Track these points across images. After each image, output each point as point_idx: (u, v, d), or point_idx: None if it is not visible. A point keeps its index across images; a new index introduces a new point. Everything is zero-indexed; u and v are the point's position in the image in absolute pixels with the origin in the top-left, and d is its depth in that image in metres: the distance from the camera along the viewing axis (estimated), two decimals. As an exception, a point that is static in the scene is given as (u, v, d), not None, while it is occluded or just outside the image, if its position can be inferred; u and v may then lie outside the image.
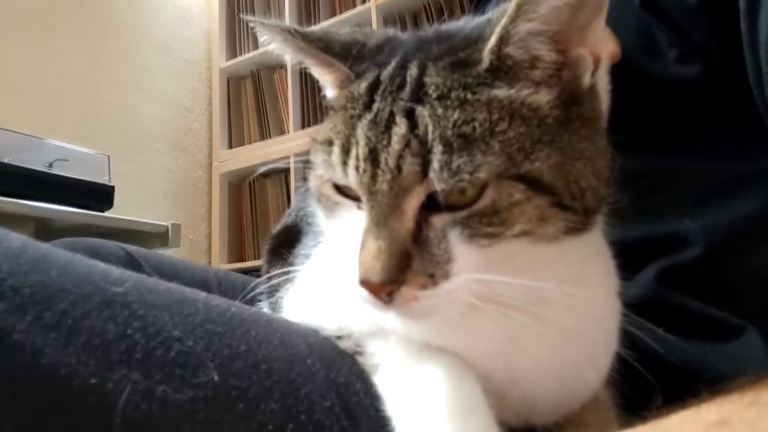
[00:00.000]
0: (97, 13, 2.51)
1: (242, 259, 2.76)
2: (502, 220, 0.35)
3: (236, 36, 3.05)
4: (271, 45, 0.45)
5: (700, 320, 0.55)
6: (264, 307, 0.71)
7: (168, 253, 1.97)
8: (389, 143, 0.36)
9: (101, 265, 0.38)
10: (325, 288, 0.48)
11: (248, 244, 2.79)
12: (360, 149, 0.37)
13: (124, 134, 2.51)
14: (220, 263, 2.72)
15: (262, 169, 2.56)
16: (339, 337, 0.44)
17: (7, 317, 0.29)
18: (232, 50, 3.04)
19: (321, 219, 0.45)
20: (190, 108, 2.91)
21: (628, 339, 0.47)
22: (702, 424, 0.32)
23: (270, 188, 2.79)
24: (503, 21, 0.37)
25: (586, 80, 0.39)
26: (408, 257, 0.35)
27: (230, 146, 2.95)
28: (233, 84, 3.02)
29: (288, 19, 2.77)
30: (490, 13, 0.41)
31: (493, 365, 0.40)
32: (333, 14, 2.71)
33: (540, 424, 0.44)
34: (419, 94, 0.37)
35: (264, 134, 2.86)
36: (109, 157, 1.95)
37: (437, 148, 0.34)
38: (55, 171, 1.73)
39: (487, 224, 0.35)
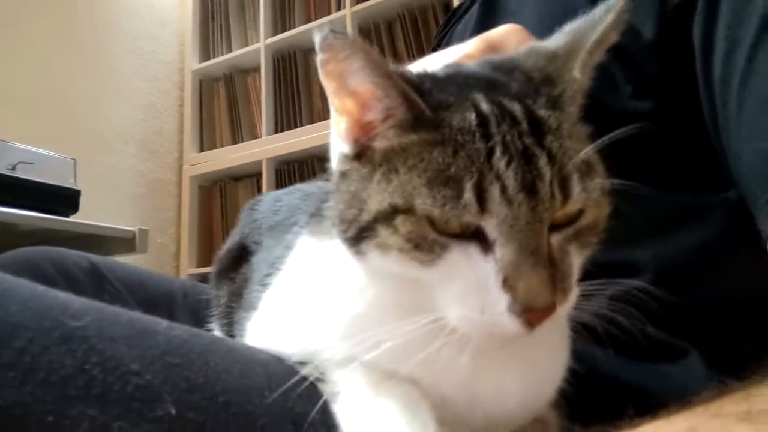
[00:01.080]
0: (66, 10, 2.45)
1: (211, 264, 2.72)
2: (599, 231, 0.42)
3: (209, 38, 3.02)
4: (350, 59, 0.40)
5: (647, 343, 0.58)
6: (215, 329, 0.71)
7: (135, 258, 1.95)
8: (540, 174, 0.37)
9: (62, 296, 0.38)
10: (295, 315, 0.49)
11: (218, 248, 2.74)
12: (509, 182, 0.37)
13: (92, 136, 2.46)
14: (189, 268, 2.69)
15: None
16: (302, 363, 0.45)
17: None
18: (206, 52, 3.01)
19: (405, 275, 0.40)
20: (161, 110, 2.87)
21: (579, 359, 0.50)
22: None
23: (241, 192, 2.77)
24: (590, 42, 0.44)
25: None
26: (556, 278, 0.38)
27: (201, 149, 2.92)
28: (206, 86, 2.99)
29: (263, 24, 2.76)
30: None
31: (455, 391, 0.42)
32: (308, 20, 2.71)
33: None
34: (539, 128, 0.40)
35: (236, 138, 2.84)
36: (75, 160, 1.92)
37: (574, 172, 0.38)
38: (18, 174, 1.69)
39: (593, 234, 0.41)
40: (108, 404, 0.33)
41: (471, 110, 0.39)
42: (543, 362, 0.46)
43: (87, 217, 1.84)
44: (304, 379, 0.44)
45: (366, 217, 0.39)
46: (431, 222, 0.38)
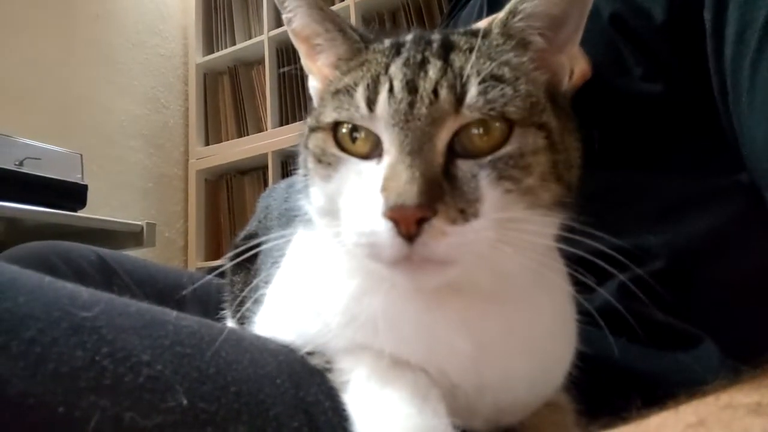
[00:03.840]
0: (69, 5, 2.45)
1: (219, 257, 2.74)
2: (526, 165, 0.38)
3: (213, 31, 3.01)
4: (289, 7, 0.49)
5: (660, 330, 0.57)
6: (228, 316, 0.71)
7: (143, 252, 1.95)
8: (426, 75, 0.39)
9: (70, 286, 0.38)
10: (298, 302, 0.48)
11: (226, 242, 2.77)
12: (396, 82, 0.39)
13: (98, 131, 2.46)
14: (197, 262, 2.70)
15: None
16: (310, 353, 0.45)
17: None
18: (209, 46, 3.01)
19: (315, 189, 0.44)
20: (165, 104, 2.87)
21: (592, 347, 0.49)
22: (681, 425, 0.34)
23: (248, 186, 2.77)
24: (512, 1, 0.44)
25: (564, 83, 0.45)
26: (440, 188, 0.36)
27: (207, 143, 2.92)
28: (210, 80, 2.98)
29: (266, 16, 2.75)
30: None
31: (463, 378, 0.42)
32: (311, 11, 2.69)
33: (505, 426, 0.46)
34: (449, 48, 0.42)
35: (241, 131, 2.83)
36: (81, 155, 1.92)
37: (473, 80, 0.38)
38: (25, 170, 1.69)
39: (513, 167, 0.38)
40: (119, 395, 0.32)
41: (391, 41, 0.45)
42: (550, 348, 0.46)
43: (94, 212, 1.84)
44: (315, 368, 0.44)
45: (302, 141, 0.47)
46: (335, 137, 0.42)
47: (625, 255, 0.60)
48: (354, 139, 0.41)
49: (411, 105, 0.38)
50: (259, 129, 2.77)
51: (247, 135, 2.78)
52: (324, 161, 0.43)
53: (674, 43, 0.60)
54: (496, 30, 0.44)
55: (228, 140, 2.85)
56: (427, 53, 0.41)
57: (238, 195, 2.78)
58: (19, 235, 1.66)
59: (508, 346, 0.42)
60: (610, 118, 0.63)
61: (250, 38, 2.86)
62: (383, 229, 0.36)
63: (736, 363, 0.54)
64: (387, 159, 0.38)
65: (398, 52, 0.42)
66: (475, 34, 0.44)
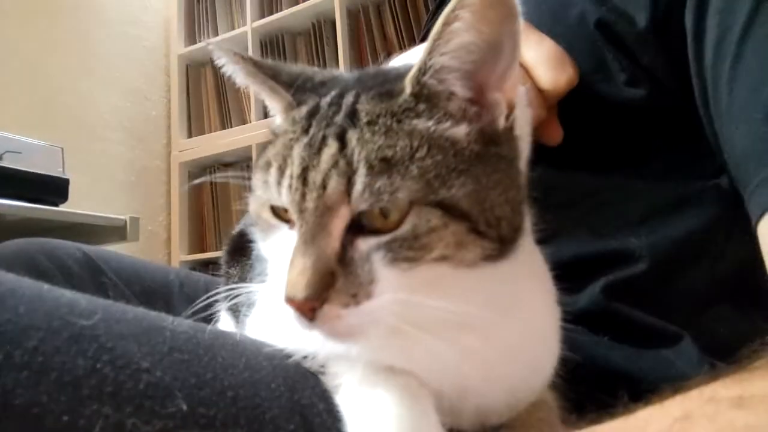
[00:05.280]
0: (48, -5, 2.40)
1: (203, 250, 2.73)
2: (422, 245, 0.38)
3: (195, 22, 2.97)
4: (224, 68, 0.49)
5: (642, 329, 0.59)
6: (222, 310, 0.72)
7: (126, 246, 1.94)
8: (319, 162, 0.39)
9: (68, 295, 0.38)
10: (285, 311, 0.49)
11: (209, 234, 2.75)
12: (294, 168, 0.39)
13: (79, 124, 2.42)
14: (180, 255, 2.68)
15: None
16: (304, 357, 0.46)
17: None
18: (191, 36, 2.97)
19: (259, 242, 0.47)
20: (147, 95, 2.83)
21: (576, 347, 0.51)
22: (668, 419, 0.36)
23: (232, 178, 2.75)
24: (422, 54, 0.40)
25: (501, 123, 0.42)
26: (333, 276, 0.37)
27: (190, 135, 2.89)
28: (192, 71, 2.95)
29: (249, 8, 2.72)
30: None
31: (444, 384, 0.43)
32: (295, 3, 2.67)
33: (492, 425, 0.47)
34: (352, 120, 0.40)
35: (225, 123, 2.81)
36: (62, 148, 1.89)
37: (361, 170, 0.37)
38: (5, 164, 1.66)
39: (408, 248, 0.37)
40: (121, 402, 0.33)
41: (313, 103, 0.44)
42: (532, 354, 0.47)
43: (76, 206, 1.82)
44: (309, 371, 0.45)
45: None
46: (270, 204, 0.43)
47: (608, 257, 0.62)
48: (285, 210, 0.42)
49: (303, 196, 0.38)
50: (243, 121, 2.75)
51: (231, 127, 2.76)
52: (260, 224, 0.45)
53: (657, 48, 0.62)
54: (407, 89, 0.41)
55: (211, 132, 2.82)
56: (329, 129, 0.40)
57: (222, 188, 2.76)
58: (0, 230, 1.64)
59: (488, 353, 0.43)
60: (595, 123, 0.65)
61: (233, 29, 2.83)
62: (287, 308, 0.38)
63: (713, 360, 0.56)
64: (295, 241, 0.39)
65: (308, 127, 0.41)
66: (387, 94, 0.42)
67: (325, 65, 2.52)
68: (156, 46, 2.93)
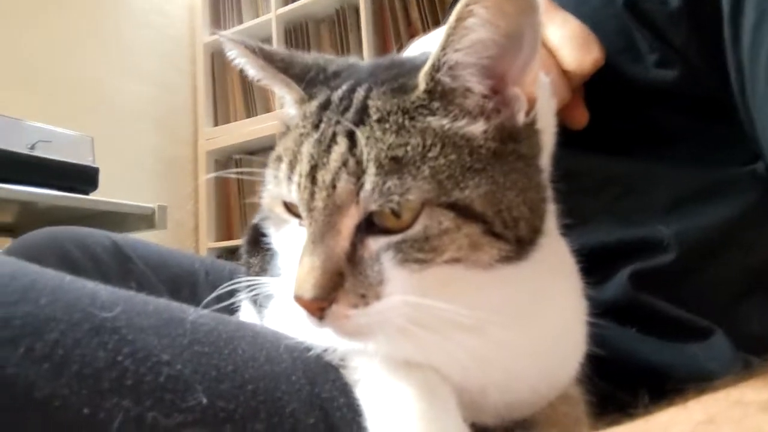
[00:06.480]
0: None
1: (230, 238, 2.76)
2: (433, 247, 0.37)
3: (220, 10, 2.99)
4: (236, 60, 0.48)
5: (671, 322, 0.57)
6: (243, 299, 0.72)
7: (154, 234, 1.97)
8: (328, 161, 0.38)
9: (90, 286, 0.39)
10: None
11: (236, 222, 2.79)
12: (303, 166, 0.39)
13: (108, 113, 2.46)
14: (208, 243, 2.72)
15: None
16: (324, 350, 0.46)
17: None
18: (216, 25, 2.98)
19: (272, 235, 0.47)
20: (174, 85, 2.86)
21: (601, 339, 0.50)
22: (690, 423, 0.34)
23: (257, 166, 2.77)
24: (436, 49, 0.39)
25: (521, 119, 0.40)
26: (341, 276, 0.37)
27: (216, 124, 2.92)
28: (218, 60, 2.97)
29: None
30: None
31: (466, 379, 0.42)
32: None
33: (516, 419, 0.47)
34: (362, 116, 0.39)
35: (250, 111, 2.83)
36: (92, 137, 1.93)
37: (371, 169, 0.36)
38: (37, 153, 1.70)
39: (418, 250, 0.37)
40: (141, 395, 0.33)
41: (324, 97, 0.42)
42: (555, 351, 0.46)
43: (105, 194, 1.85)
44: (329, 364, 0.44)
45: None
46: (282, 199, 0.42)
47: (635, 246, 0.60)
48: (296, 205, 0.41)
49: (312, 195, 0.38)
50: (268, 109, 2.76)
51: (256, 115, 2.77)
52: (273, 217, 0.45)
53: (689, 29, 0.59)
54: (421, 86, 0.39)
55: (237, 121, 2.84)
56: (339, 126, 0.39)
57: (248, 175, 2.78)
58: (32, 218, 1.68)
59: (507, 352, 0.42)
60: (622, 106, 0.62)
61: (258, 17, 2.83)
62: (298, 306, 0.38)
63: (748, 356, 0.54)
64: (305, 238, 0.39)
65: (318, 122, 0.40)
66: (400, 89, 0.40)
67: (348, 52, 2.51)
68: (181, 35, 2.96)
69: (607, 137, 0.62)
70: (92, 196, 1.81)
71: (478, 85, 0.40)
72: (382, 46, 2.50)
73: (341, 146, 0.38)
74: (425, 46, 0.55)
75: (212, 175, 2.76)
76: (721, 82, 0.58)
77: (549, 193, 0.44)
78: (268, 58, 0.46)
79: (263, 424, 0.36)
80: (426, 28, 2.35)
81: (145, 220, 1.85)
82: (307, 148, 0.39)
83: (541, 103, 0.42)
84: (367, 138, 0.37)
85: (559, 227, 0.47)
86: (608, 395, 0.48)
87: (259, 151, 2.77)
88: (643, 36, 0.61)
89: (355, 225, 0.38)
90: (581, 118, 0.60)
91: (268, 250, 0.69)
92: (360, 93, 0.41)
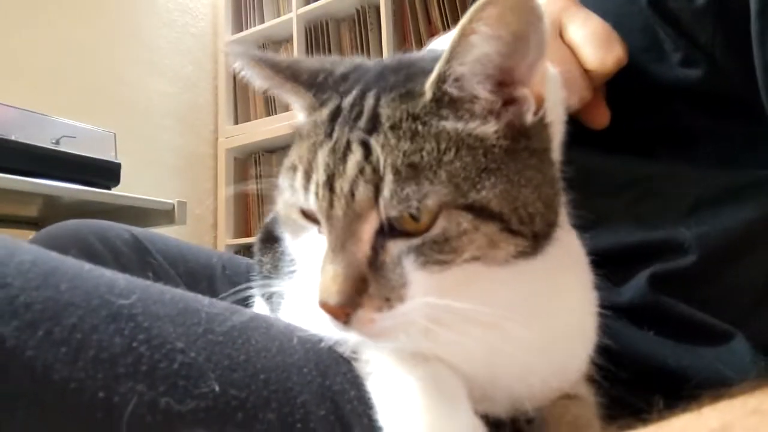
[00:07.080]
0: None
1: (248, 235, 2.79)
2: (453, 248, 0.37)
3: (242, 9, 3.02)
4: (242, 72, 0.47)
5: (690, 325, 0.56)
6: (257, 297, 0.73)
7: (174, 229, 2.00)
8: (344, 170, 0.38)
9: (108, 274, 0.39)
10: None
11: (254, 219, 2.81)
12: (319, 176, 0.39)
13: (131, 110, 2.51)
14: (226, 239, 2.75)
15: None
16: (335, 342, 0.46)
17: (19, 334, 0.30)
18: (238, 24, 3.01)
19: (287, 241, 0.47)
20: (196, 83, 2.90)
21: (616, 341, 0.49)
22: (705, 430, 0.33)
23: (276, 164, 2.79)
24: (440, 61, 0.39)
25: (529, 118, 0.41)
26: (364, 282, 0.37)
27: (236, 122, 2.95)
28: (239, 58, 2.99)
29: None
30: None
31: (476, 372, 0.42)
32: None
33: (526, 411, 0.46)
34: (375, 124, 0.39)
35: (270, 110, 2.85)
36: (115, 133, 1.96)
37: (388, 176, 0.37)
38: (61, 148, 1.74)
39: (438, 252, 0.37)
40: (155, 381, 0.34)
41: (334, 105, 0.42)
42: (567, 340, 0.46)
43: (127, 189, 1.88)
44: (341, 356, 0.45)
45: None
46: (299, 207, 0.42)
47: (656, 248, 0.59)
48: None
49: (330, 204, 0.38)
50: (287, 108, 2.77)
51: (275, 114, 2.79)
52: (289, 224, 0.45)
53: (715, 27, 0.58)
54: (428, 94, 0.39)
55: (257, 119, 2.87)
56: (352, 135, 0.39)
57: (267, 173, 2.80)
58: (55, 211, 1.72)
59: (521, 344, 0.42)
60: (644, 105, 0.62)
61: (279, 16, 2.85)
62: (321, 311, 0.38)
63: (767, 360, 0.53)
64: (325, 245, 0.39)
65: (331, 131, 0.40)
66: (409, 95, 0.40)
67: (369, 51, 2.51)
68: (204, 33, 2.99)
69: (629, 137, 0.61)
70: (114, 191, 1.84)
71: (484, 92, 0.40)
72: (402, 45, 2.50)
73: (357, 155, 0.38)
74: (444, 45, 0.55)
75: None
76: (747, 81, 0.56)
77: (561, 185, 0.44)
78: (275, 68, 0.45)
79: (274, 414, 0.37)
80: (446, 27, 2.34)
81: (165, 215, 1.87)
82: (323, 157, 0.39)
83: (550, 96, 0.43)
84: (383, 146, 0.38)
85: (570, 219, 0.47)
86: (620, 398, 0.48)
87: (278, 150, 2.79)
88: (667, 34, 0.60)
89: (375, 231, 0.38)
90: (603, 117, 0.60)
91: (280, 249, 0.70)
92: (370, 100, 0.41)
